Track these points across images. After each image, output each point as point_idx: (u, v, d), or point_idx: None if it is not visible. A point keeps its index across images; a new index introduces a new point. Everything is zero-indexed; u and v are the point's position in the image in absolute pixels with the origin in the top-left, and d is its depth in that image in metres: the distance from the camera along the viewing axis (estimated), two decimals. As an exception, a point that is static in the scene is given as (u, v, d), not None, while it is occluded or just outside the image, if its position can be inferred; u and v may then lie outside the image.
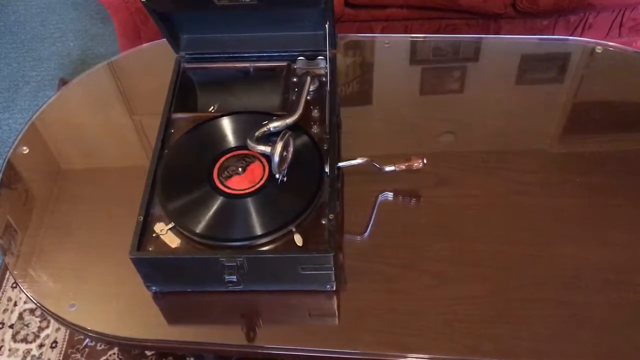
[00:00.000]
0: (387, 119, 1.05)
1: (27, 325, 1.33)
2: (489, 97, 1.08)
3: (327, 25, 0.91)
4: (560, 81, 1.11)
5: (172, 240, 0.80)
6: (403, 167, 0.91)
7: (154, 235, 0.80)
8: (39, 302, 0.85)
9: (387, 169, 0.91)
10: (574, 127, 1.04)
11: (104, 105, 1.11)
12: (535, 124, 1.03)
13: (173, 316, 0.84)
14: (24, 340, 1.31)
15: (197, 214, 0.81)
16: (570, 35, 1.56)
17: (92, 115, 1.10)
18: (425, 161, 0.91)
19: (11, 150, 1.04)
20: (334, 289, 0.82)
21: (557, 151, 1.00)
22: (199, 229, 0.80)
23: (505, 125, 1.03)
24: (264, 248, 0.79)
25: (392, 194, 0.93)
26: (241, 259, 0.77)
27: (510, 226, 0.89)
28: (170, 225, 0.81)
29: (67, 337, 1.31)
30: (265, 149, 0.83)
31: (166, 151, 0.88)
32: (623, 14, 1.54)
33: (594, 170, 0.96)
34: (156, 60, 1.17)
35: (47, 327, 1.33)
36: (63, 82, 1.82)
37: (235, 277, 0.77)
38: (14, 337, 1.32)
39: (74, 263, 0.89)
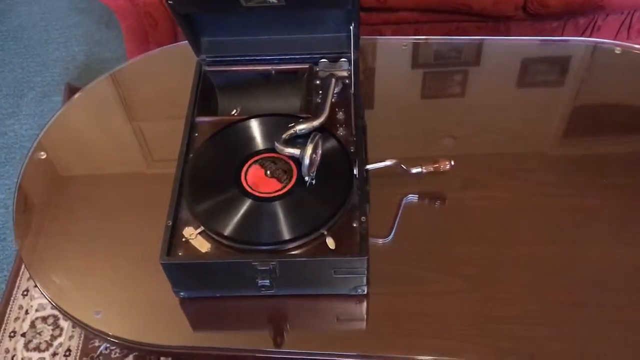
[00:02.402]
0: (405, 121, 1.04)
1: (39, 334, 1.31)
2: (509, 100, 1.07)
3: (352, 27, 0.90)
4: (577, 82, 1.11)
5: (202, 245, 0.79)
6: (431, 168, 0.90)
7: (183, 239, 0.79)
8: (62, 309, 0.84)
9: (414, 170, 0.91)
10: (595, 128, 1.04)
11: (121, 111, 1.10)
12: (556, 126, 1.03)
13: (199, 322, 0.83)
14: (37, 349, 1.29)
15: (227, 217, 0.80)
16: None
17: (110, 120, 1.09)
18: (452, 163, 0.90)
19: (29, 156, 1.02)
20: (365, 292, 0.81)
21: (580, 153, 1.00)
22: (229, 232, 0.79)
23: (526, 127, 1.02)
24: (296, 252, 0.78)
25: (417, 196, 0.93)
26: (274, 263, 0.76)
27: (538, 228, 0.89)
28: (199, 230, 0.80)
29: (80, 345, 1.29)
30: (294, 151, 0.82)
31: (191, 155, 0.87)
32: (632, 16, 1.55)
33: (619, 171, 0.95)
34: (168, 65, 1.16)
35: (60, 335, 1.31)
36: (70, 88, 1.81)
37: (268, 281, 0.76)
38: (26, 346, 1.30)
39: (98, 269, 0.88)
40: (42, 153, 1.02)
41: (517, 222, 0.89)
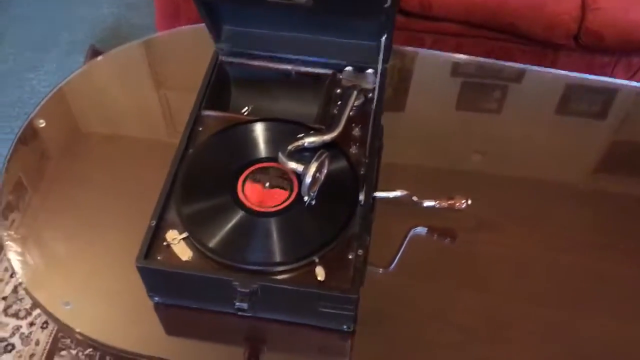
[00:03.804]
0: (425, 146, 0.96)
1: (20, 300, 1.28)
2: (541, 138, 0.99)
3: (383, 38, 0.83)
4: (617, 130, 1.02)
5: (183, 252, 0.73)
6: (445, 204, 0.83)
7: (164, 243, 0.73)
8: (31, 293, 0.79)
9: (427, 204, 0.83)
10: (630, 185, 0.95)
11: (132, 84, 1.05)
12: (586, 177, 0.95)
13: (173, 331, 0.78)
14: (15, 315, 1.26)
15: (214, 226, 0.74)
16: (630, 79, 1.46)
17: (117, 93, 1.04)
18: (469, 202, 0.83)
19: (26, 122, 0.97)
20: (351, 330, 0.74)
21: (607, 209, 0.91)
22: (214, 243, 0.73)
23: (555, 171, 0.94)
24: (282, 276, 0.71)
25: (425, 230, 0.86)
26: (256, 286, 0.69)
27: (547, 287, 0.81)
28: (183, 235, 0.74)
29: (59, 319, 1.25)
30: (297, 167, 0.75)
31: (191, 150, 0.81)
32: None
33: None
34: (193, 46, 1.09)
35: (41, 305, 1.27)
36: (93, 50, 1.76)
37: (246, 304, 0.70)
38: (5, 311, 1.26)
39: (76, 256, 0.82)
40: (42, 121, 0.97)
41: (526, 276, 0.82)
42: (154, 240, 0.73)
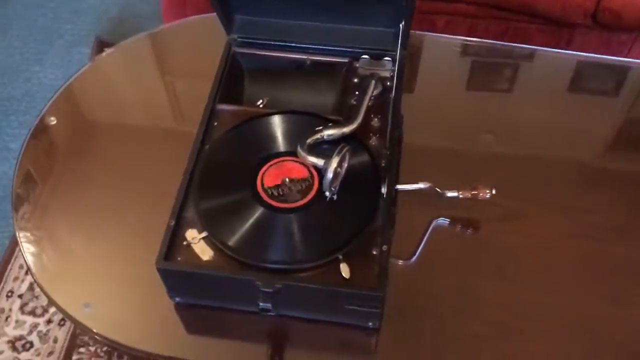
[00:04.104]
0: (446, 133, 0.94)
1: (36, 297, 1.27)
2: (566, 122, 0.96)
3: (402, 24, 0.80)
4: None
5: (204, 251, 0.71)
6: (468, 195, 0.81)
7: (184, 243, 0.71)
8: (49, 294, 0.78)
9: (450, 194, 0.81)
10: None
11: (141, 78, 1.02)
12: (627, 162, 0.92)
13: (194, 330, 0.76)
14: (32, 313, 1.25)
15: (234, 224, 0.72)
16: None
17: (127, 88, 1.02)
18: (494, 192, 0.81)
19: (38, 119, 0.95)
20: (377, 326, 0.73)
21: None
22: (234, 242, 0.71)
23: (592, 158, 0.91)
24: (305, 274, 0.70)
25: (448, 221, 0.84)
26: (279, 286, 0.68)
27: (581, 277, 0.79)
28: (203, 234, 0.72)
29: (76, 315, 1.24)
30: (318, 161, 0.73)
31: (207, 146, 0.79)
32: None
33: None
34: (203, 37, 1.06)
35: (57, 301, 1.26)
36: (99, 42, 1.73)
37: (270, 304, 0.68)
38: (21, 309, 1.26)
39: (94, 256, 0.81)
40: (53, 118, 0.95)
41: (557, 267, 0.80)
42: (174, 240, 0.71)
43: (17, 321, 1.24)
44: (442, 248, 0.81)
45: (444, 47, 1.07)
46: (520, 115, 0.97)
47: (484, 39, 1.06)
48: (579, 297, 0.77)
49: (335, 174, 0.71)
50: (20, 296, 1.27)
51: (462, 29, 1.44)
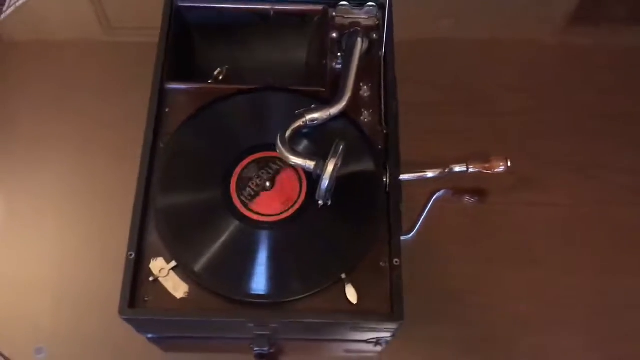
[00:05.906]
0: (447, 98, 0.79)
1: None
2: (582, 78, 0.82)
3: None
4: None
5: (177, 287, 0.58)
6: (480, 168, 0.68)
7: (150, 279, 0.58)
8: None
9: (457, 169, 0.68)
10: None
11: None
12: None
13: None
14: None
15: (207, 248, 0.58)
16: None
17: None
18: (509, 164, 0.68)
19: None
20: (383, 347, 0.63)
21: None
22: (211, 272, 0.57)
23: (609, 111, 0.79)
24: (304, 305, 0.57)
25: (451, 193, 0.72)
26: (275, 325, 0.56)
27: (611, 251, 0.70)
28: (172, 264, 0.58)
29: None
30: (305, 163, 0.58)
31: (161, 145, 0.63)
32: None
33: None
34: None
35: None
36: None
37: (266, 349, 0.57)
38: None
39: (45, 285, 0.67)
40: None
41: (583, 241, 0.70)
42: (137, 277, 0.57)
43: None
44: (448, 231, 0.70)
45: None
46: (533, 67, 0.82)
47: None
48: (611, 274, 0.68)
49: (332, 180, 0.57)
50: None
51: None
